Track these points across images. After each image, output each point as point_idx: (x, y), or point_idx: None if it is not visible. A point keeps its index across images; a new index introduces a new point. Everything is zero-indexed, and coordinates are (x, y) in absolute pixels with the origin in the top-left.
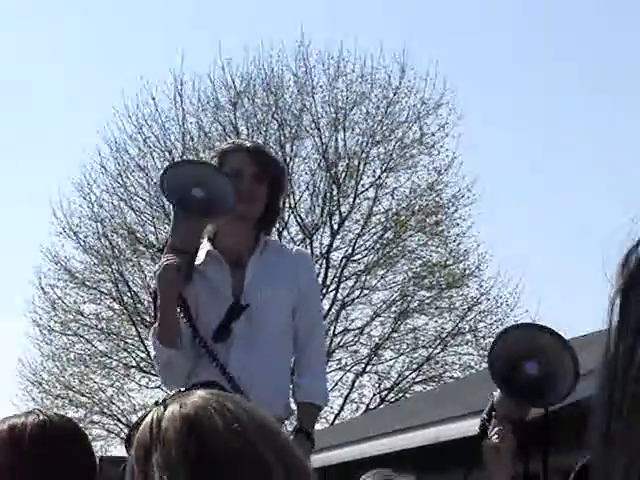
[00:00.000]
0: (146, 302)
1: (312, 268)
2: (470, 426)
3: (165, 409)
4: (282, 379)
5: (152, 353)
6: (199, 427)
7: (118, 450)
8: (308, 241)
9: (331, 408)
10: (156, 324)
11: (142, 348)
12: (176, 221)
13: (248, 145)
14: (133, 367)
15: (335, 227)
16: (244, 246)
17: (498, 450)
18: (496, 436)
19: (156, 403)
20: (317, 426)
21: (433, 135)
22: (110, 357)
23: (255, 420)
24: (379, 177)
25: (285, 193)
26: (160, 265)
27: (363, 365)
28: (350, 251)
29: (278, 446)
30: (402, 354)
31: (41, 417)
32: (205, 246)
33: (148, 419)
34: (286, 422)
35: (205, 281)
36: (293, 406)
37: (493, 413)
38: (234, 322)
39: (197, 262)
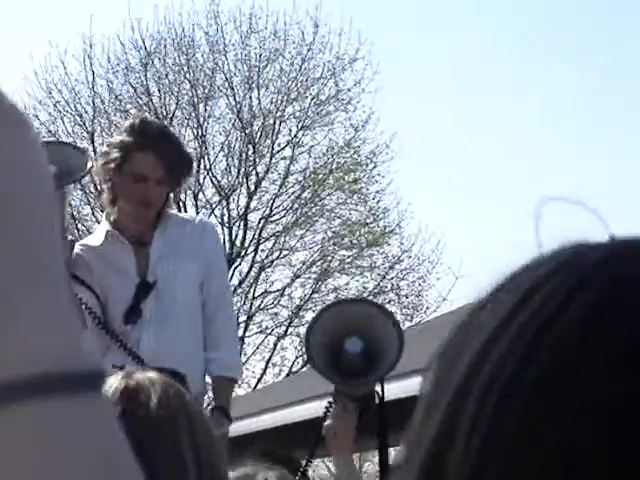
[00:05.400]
0: None
1: (216, 237)
2: (399, 387)
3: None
4: (195, 355)
5: None
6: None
7: None
8: (225, 203)
9: (253, 372)
10: None
11: None
12: None
13: (154, 142)
14: None
15: (252, 188)
16: (146, 225)
17: (334, 431)
18: (331, 417)
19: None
20: (239, 391)
21: (349, 91)
22: None
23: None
24: (295, 135)
25: (189, 180)
26: None
27: (284, 327)
28: (268, 212)
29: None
30: None
31: None
32: (103, 226)
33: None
34: (205, 397)
35: (107, 262)
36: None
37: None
38: (143, 302)
39: (96, 242)
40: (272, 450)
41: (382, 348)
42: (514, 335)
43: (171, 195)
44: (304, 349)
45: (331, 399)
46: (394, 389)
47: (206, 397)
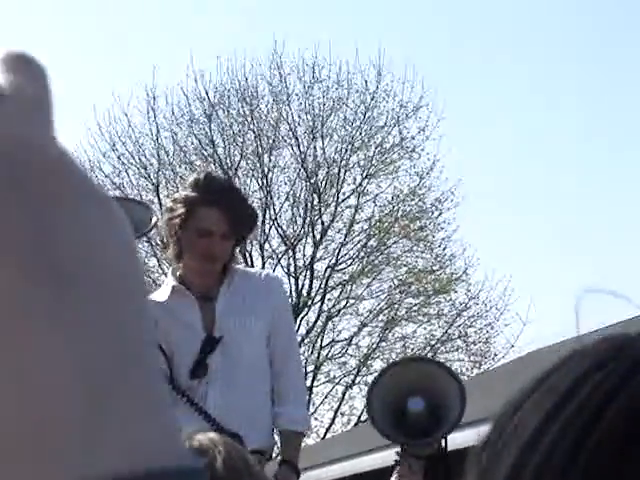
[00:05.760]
0: None
1: (282, 291)
2: (466, 436)
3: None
4: (262, 410)
5: None
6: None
7: None
8: (291, 253)
9: (322, 422)
10: None
11: None
12: None
13: (219, 197)
14: None
15: (318, 237)
16: (211, 280)
17: None
18: (396, 474)
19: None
20: (309, 441)
21: (413, 139)
22: None
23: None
24: (360, 184)
25: (254, 233)
26: None
27: (352, 376)
28: (334, 261)
29: None
30: None
31: None
32: (169, 281)
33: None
34: (275, 449)
35: (173, 317)
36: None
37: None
38: (209, 357)
39: (162, 298)
40: None
41: (445, 404)
42: (563, 425)
43: (237, 249)
44: (366, 411)
45: (397, 457)
46: (459, 438)
47: (275, 448)
